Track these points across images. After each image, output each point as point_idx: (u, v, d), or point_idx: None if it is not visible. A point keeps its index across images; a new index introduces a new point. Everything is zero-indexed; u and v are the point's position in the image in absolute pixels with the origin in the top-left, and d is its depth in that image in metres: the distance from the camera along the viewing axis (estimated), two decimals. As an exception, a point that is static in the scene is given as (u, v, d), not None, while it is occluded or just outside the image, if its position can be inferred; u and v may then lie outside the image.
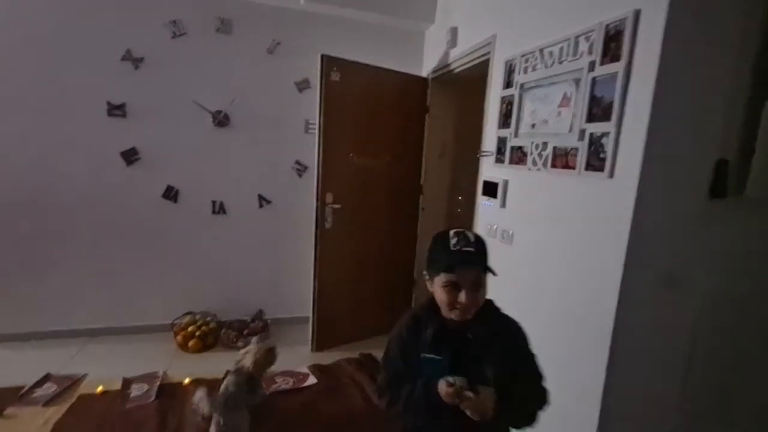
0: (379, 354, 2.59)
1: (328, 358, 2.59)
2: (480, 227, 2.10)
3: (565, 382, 1.44)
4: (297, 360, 2.52)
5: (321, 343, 2.71)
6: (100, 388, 2.09)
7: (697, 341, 1.34)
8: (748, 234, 1.33)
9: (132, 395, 2.06)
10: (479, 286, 0.98)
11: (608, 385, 1.27)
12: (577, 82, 1.40)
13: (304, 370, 2.39)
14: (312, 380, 2.28)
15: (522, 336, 1.05)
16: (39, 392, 2.05)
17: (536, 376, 1.04)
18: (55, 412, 1.90)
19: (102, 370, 2.26)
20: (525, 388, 1.01)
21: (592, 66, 1.33)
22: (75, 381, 2.17)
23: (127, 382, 2.16)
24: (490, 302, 1.06)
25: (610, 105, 1.26)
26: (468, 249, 0.97)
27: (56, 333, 2.62)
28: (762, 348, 1.44)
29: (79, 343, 2.59)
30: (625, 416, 1.32)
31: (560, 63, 1.49)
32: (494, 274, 0.98)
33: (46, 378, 2.17)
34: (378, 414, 2.04)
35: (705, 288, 1.31)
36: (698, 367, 1.36)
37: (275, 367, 2.01)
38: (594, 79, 1.33)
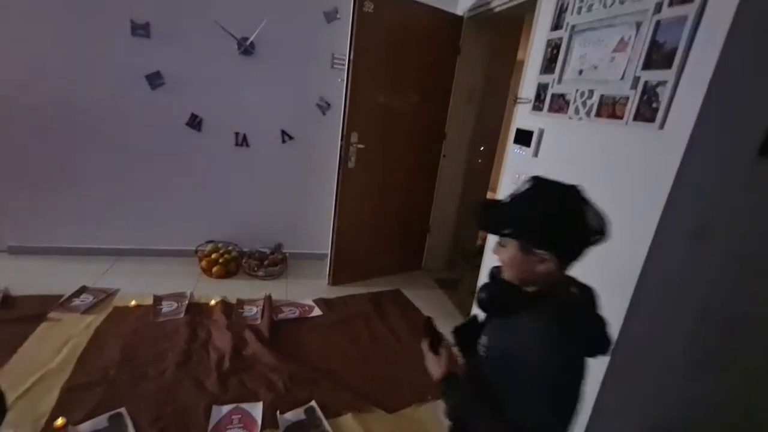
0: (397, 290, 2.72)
1: (343, 291, 2.72)
2: (507, 175, 2.10)
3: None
4: (315, 291, 2.66)
5: (338, 277, 2.82)
6: (133, 302, 2.24)
7: (714, 294, 1.39)
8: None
9: (163, 310, 2.21)
10: (502, 244, 0.81)
11: (625, 329, 1.34)
12: (639, 25, 1.32)
13: (309, 302, 2.49)
14: (317, 312, 2.39)
15: (528, 354, 0.73)
16: (77, 301, 2.20)
17: (513, 408, 0.73)
18: (95, 319, 2.06)
19: (132, 287, 2.40)
20: (486, 398, 0.78)
21: (658, 7, 1.25)
22: (109, 294, 2.31)
23: (157, 299, 2.30)
24: (549, 289, 0.79)
25: (673, 51, 1.20)
26: (491, 199, 0.94)
27: (88, 250, 2.75)
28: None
29: (109, 261, 2.72)
30: (637, 359, 1.41)
31: (621, 3, 1.40)
32: (506, 235, 0.78)
33: (83, 289, 2.31)
34: (375, 345, 2.19)
35: (732, 246, 1.33)
36: (710, 317, 1.42)
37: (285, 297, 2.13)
38: (658, 22, 1.25)
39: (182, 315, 2.17)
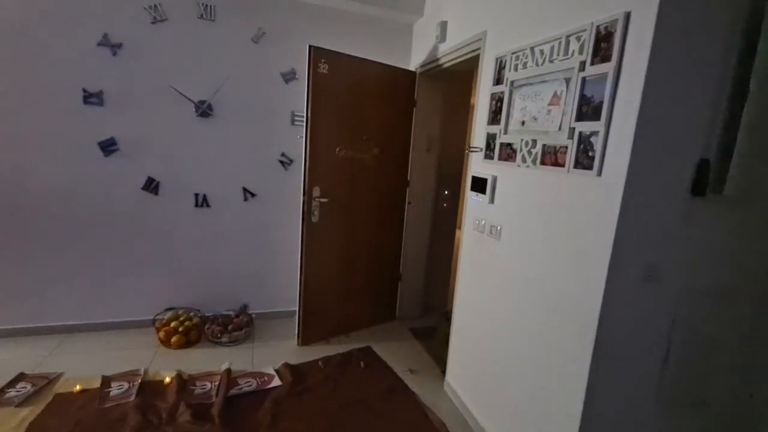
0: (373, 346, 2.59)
1: (314, 352, 2.58)
2: (467, 222, 2.12)
3: (552, 373, 1.49)
4: (283, 354, 2.51)
5: (307, 337, 2.69)
6: (77, 387, 2.03)
7: (674, 333, 1.40)
8: (725, 231, 1.38)
9: (111, 394, 2.01)
10: None
11: (593, 377, 1.32)
12: (568, 81, 1.42)
13: (270, 371, 2.29)
14: (276, 382, 2.18)
15: None
16: (12, 392, 1.97)
17: None
18: (30, 413, 1.83)
19: (80, 368, 2.19)
20: None
21: (582, 66, 1.35)
22: (51, 380, 2.09)
23: (106, 381, 2.10)
24: None
25: (600, 105, 1.28)
26: None
27: (30, 330, 2.52)
28: (736, 339, 1.51)
29: (55, 341, 2.49)
30: (607, 403, 1.37)
31: (551, 62, 1.51)
32: None
33: (20, 377, 2.08)
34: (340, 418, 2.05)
35: (684, 281, 1.36)
36: (675, 358, 1.42)
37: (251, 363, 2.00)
38: (584, 79, 1.35)
39: (132, 397, 1.96)
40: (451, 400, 2.21)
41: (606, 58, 1.26)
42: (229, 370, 2.22)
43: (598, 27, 1.29)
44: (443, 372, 2.37)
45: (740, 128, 1.26)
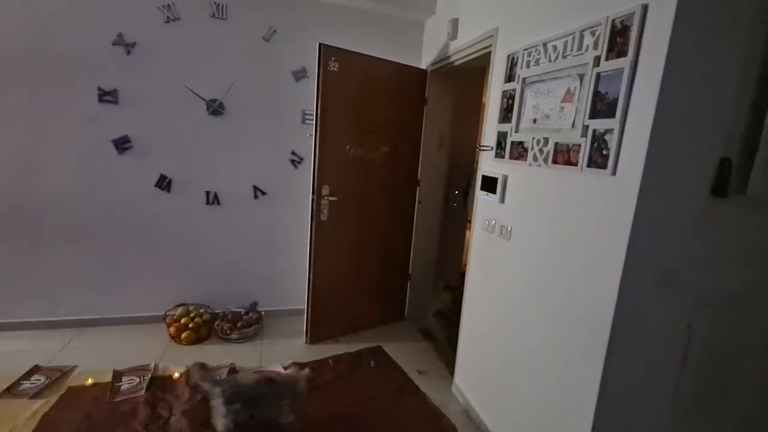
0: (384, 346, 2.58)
1: (322, 350, 2.58)
2: (477, 222, 2.09)
3: (562, 377, 1.45)
4: (291, 352, 2.51)
5: (315, 335, 2.69)
6: (89, 381, 2.06)
7: (692, 338, 1.34)
8: (748, 232, 1.33)
9: (122, 388, 2.04)
10: None
11: (605, 382, 1.27)
12: (581, 77, 1.38)
13: (279, 368, 2.26)
14: None
15: None
16: (26, 384, 2.01)
17: None
18: (44, 405, 1.87)
19: (93, 362, 2.23)
20: None
21: (597, 61, 1.31)
22: (64, 373, 2.13)
23: (117, 375, 2.13)
24: None
25: (615, 101, 1.24)
26: None
27: (46, 323, 2.57)
28: (756, 344, 1.45)
29: (69, 334, 2.54)
30: (621, 409, 1.33)
31: (564, 57, 1.47)
32: None
33: (35, 370, 2.13)
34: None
35: (702, 285, 1.31)
36: (692, 364, 1.37)
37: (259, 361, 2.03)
38: (599, 75, 1.31)
39: (143, 392, 1.99)
40: (458, 401, 2.18)
41: (622, 53, 1.22)
42: (233, 366, 2.23)
43: (613, 21, 1.25)
44: (451, 373, 2.34)
45: (764, 126, 1.21)
